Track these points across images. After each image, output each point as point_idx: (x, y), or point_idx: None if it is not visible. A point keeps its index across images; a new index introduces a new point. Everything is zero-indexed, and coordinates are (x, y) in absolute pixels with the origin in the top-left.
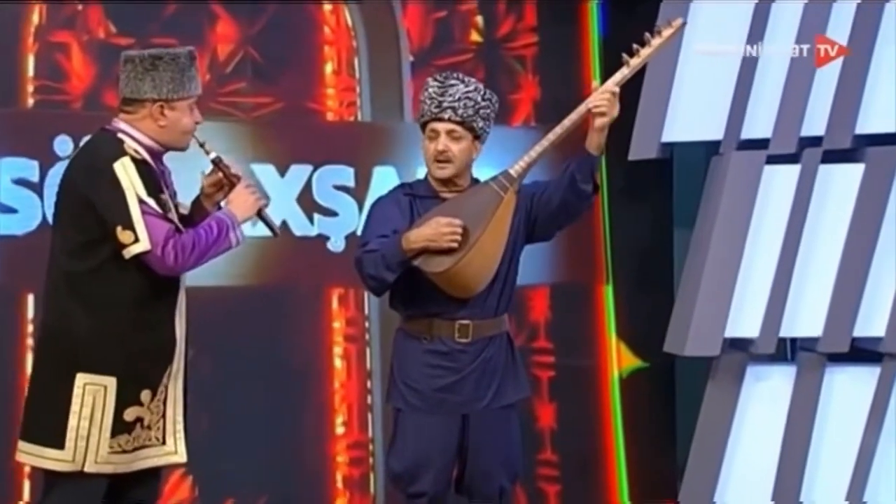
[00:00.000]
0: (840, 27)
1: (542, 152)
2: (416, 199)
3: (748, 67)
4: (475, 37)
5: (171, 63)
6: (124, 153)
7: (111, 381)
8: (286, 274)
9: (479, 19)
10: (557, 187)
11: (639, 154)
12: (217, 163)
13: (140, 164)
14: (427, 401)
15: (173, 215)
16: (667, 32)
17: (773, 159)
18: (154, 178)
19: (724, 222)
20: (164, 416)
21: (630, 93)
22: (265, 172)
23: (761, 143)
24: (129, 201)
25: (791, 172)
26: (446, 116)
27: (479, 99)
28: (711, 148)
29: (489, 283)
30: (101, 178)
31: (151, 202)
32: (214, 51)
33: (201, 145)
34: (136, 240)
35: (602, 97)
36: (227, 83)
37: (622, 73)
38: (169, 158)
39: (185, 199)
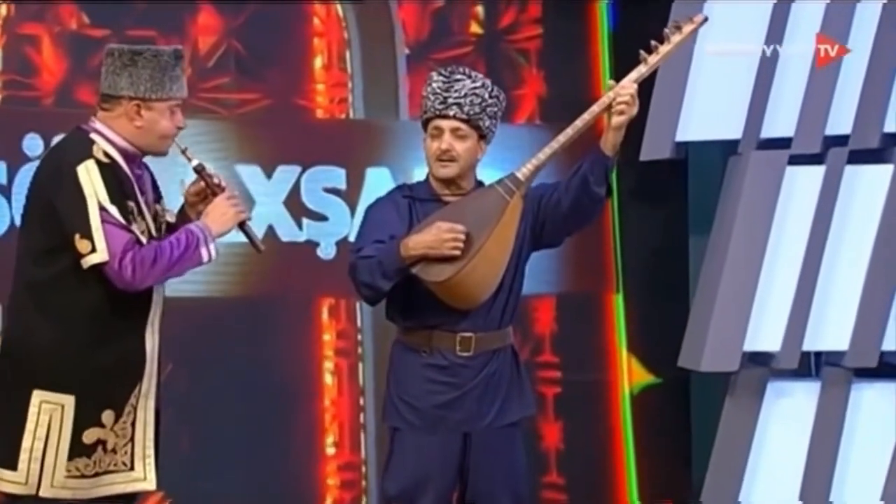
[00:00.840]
0: (864, 26)
1: (552, 154)
2: (415, 201)
3: (768, 64)
4: (475, 28)
5: (151, 60)
6: (90, 156)
7: (69, 400)
8: (272, 283)
9: (480, 10)
10: (567, 189)
11: (651, 154)
12: (199, 171)
13: (106, 168)
14: (426, 419)
15: (141, 224)
16: (687, 28)
17: (796, 159)
18: (121, 184)
19: (743, 227)
20: (132, 439)
21: (642, 88)
22: (250, 173)
23: (783, 143)
24: (89, 208)
25: (815, 174)
26: (451, 113)
27: (487, 96)
28: (729, 147)
29: (493, 292)
30: (64, 181)
31: (113, 210)
32: (196, 43)
33: (183, 152)
34: (94, 249)
35: (626, 92)
36: (209, 78)
37: (639, 72)
38: (155, 162)
39: (175, 206)
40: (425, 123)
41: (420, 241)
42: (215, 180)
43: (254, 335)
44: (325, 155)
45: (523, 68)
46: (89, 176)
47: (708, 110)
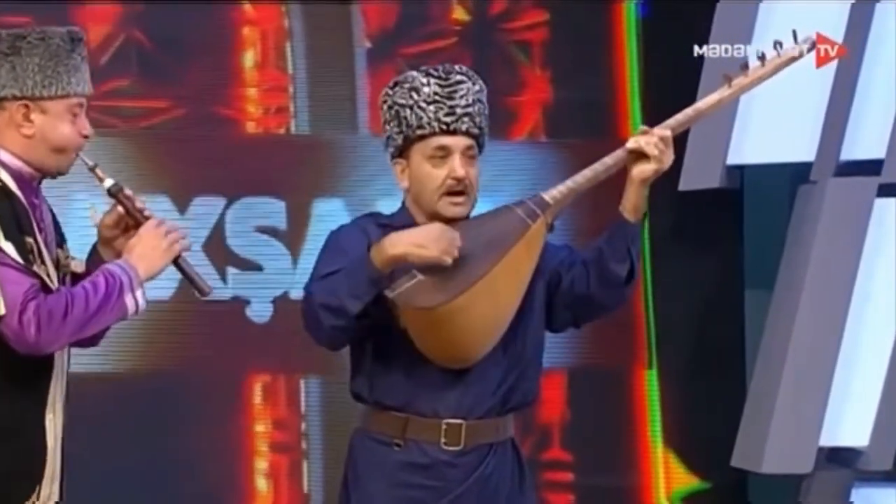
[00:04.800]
0: None
1: (594, 179)
2: (392, 230)
3: (847, 72)
4: (459, 14)
5: (37, 44)
6: None
7: None
8: (188, 355)
9: None
10: (585, 263)
11: (694, 182)
12: (115, 194)
13: None
14: None
15: (48, 268)
16: (789, 54)
17: (887, 189)
18: (18, 215)
19: (818, 278)
20: None
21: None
22: (157, 207)
23: (869, 167)
24: None
25: None
26: (463, 128)
27: (484, 99)
28: (799, 174)
29: (495, 360)
30: None
31: (9, 248)
32: (84, 34)
33: (92, 169)
34: None
35: (645, 138)
36: (102, 80)
37: (719, 96)
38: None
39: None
40: (412, 142)
41: (403, 236)
42: (138, 205)
43: (164, 424)
44: (257, 183)
45: (524, 67)
46: None
47: (770, 126)
